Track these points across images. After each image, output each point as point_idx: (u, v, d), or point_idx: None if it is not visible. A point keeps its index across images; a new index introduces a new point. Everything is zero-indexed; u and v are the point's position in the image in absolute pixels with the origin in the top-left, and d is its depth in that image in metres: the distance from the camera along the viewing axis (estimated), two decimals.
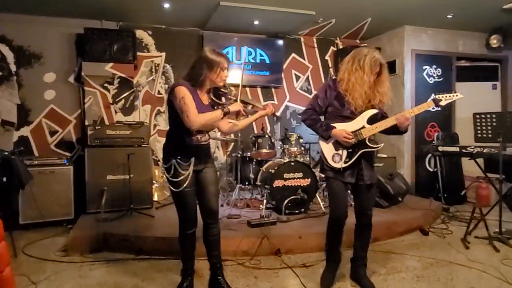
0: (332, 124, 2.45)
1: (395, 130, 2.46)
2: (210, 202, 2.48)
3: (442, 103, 2.38)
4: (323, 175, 2.62)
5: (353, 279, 2.66)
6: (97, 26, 4.81)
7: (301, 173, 4.09)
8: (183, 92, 2.26)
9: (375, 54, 2.37)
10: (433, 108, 2.36)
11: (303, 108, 2.62)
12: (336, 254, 2.64)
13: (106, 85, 4.76)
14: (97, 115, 4.74)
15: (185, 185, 2.34)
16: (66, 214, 4.15)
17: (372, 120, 2.43)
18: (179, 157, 2.35)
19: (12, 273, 1.56)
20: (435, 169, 5.30)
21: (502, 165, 3.59)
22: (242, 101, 2.46)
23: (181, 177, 2.34)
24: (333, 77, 2.60)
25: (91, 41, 4.57)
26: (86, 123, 4.66)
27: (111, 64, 4.68)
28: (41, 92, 4.84)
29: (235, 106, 2.39)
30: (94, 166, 4.15)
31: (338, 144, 2.44)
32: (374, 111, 2.42)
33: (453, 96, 2.38)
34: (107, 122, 4.73)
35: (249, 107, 2.55)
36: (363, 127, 2.40)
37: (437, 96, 2.37)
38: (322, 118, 2.57)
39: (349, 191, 2.76)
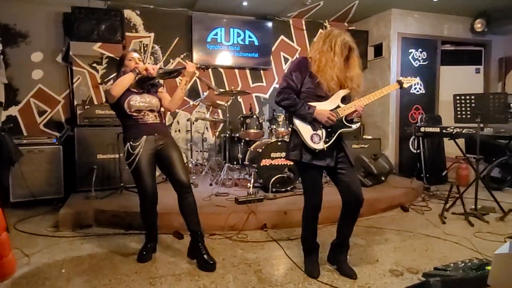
0: (310, 104, 2.35)
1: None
2: (177, 173, 2.61)
3: (405, 85, 2.50)
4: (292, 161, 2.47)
5: (332, 262, 2.59)
6: (85, 5, 4.77)
7: (287, 148, 4.20)
8: (108, 87, 2.60)
9: (346, 36, 2.32)
10: (400, 88, 2.50)
11: None
12: (315, 242, 2.55)
13: (94, 65, 4.77)
14: (86, 95, 4.76)
15: (135, 163, 2.55)
16: (56, 193, 4.21)
17: (344, 100, 2.42)
18: (132, 139, 2.60)
19: (8, 238, 1.65)
20: (418, 150, 5.46)
21: (480, 146, 3.75)
22: (163, 74, 2.69)
23: (132, 157, 2.56)
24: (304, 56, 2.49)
25: (78, 20, 4.55)
26: (75, 103, 4.67)
27: (99, 44, 4.67)
28: (29, 72, 4.82)
29: (143, 66, 2.59)
30: (83, 146, 4.20)
31: (316, 124, 2.35)
32: (347, 90, 2.39)
33: (413, 80, 2.53)
34: (96, 102, 4.76)
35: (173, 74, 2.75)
36: (338, 106, 2.37)
37: (400, 79, 2.52)
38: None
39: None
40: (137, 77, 2.58)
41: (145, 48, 5.32)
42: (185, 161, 2.77)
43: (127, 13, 5.16)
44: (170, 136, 2.81)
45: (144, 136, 2.60)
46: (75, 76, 4.72)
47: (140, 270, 2.55)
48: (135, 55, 2.70)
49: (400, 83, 2.50)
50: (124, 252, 2.84)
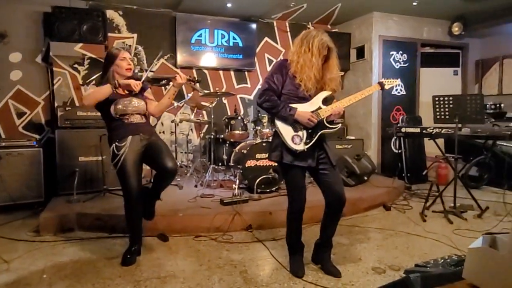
0: (291, 105, 2.36)
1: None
2: (164, 160, 2.60)
3: (386, 86, 2.54)
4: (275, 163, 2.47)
5: (316, 262, 2.62)
6: (65, 5, 4.69)
7: (269, 149, 4.23)
8: (84, 95, 2.60)
9: (323, 37, 2.33)
10: (382, 90, 2.54)
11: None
12: (300, 242, 2.58)
13: (76, 66, 4.69)
14: (67, 96, 4.68)
15: (120, 163, 2.57)
16: (37, 197, 4.11)
17: (326, 101, 2.44)
18: (117, 140, 2.61)
19: None
20: (400, 151, 5.58)
21: (458, 145, 3.86)
22: (151, 80, 2.72)
23: (117, 158, 2.58)
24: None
25: (59, 20, 4.47)
26: (56, 104, 4.58)
27: (80, 45, 4.60)
28: (7, 73, 4.70)
29: (126, 81, 2.58)
30: (65, 148, 4.12)
31: (297, 125, 2.37)
32: (328, 92, 2.43)
33: (394, 81, 2.58)
34: (77, 104, 4.68)
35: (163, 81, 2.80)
36: (320, 107, 2.39)
37: (382, 80, 2.56)
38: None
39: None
40: (113, 90, 2.54)
41: (128, 50, 5.26)
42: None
43: (110, 13, 5.10)
44: (155, 134, 2.82)
45: (130, 137, 2.61)
46: (56, 77, 4.63)
47: (124, 273, 2.52)
48: (128, 55, 2.67)
49: (381, 84, 2.55)
50: (108, 256, 2.81)
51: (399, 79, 2.70)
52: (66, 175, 4.07)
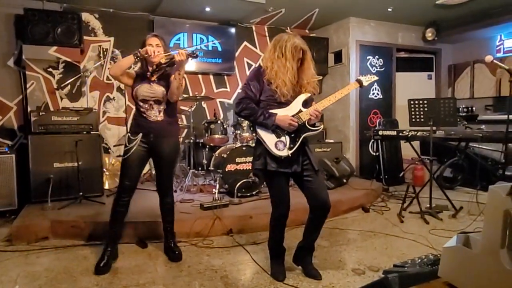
0: (270, 111, 2.34)
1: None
2: (161, 178, 2.82)
3: (365, 83, 2.53)
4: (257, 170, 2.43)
5: (297, 263, 2.62)
6: (39, 7, 4.57)
7: (252, 157, 4.23)
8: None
9: (296, 40, 2.30)
10: (360, 87, 2.55)
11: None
12: (282, 247, 2.58)
13: (50, 69, 4.56)
14: (41, 101, 4.54)
15: (126, 156, 2.66)
16: (9, 205, 3.94)
17: (306, 104, 2.42)
18: (131, 132, 2.71)
19: None
20: (377, 153, 5.69)
21: (433, 147, 3.97)
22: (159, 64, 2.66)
23: (126, 149, 2.67)
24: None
25: (32, 22, 4.34)
26: (29, 109, 4.44)
27: (55, 48, 4.48)
28: None
29: (144, 49, 2.60)
30: (38, 154, 3.99)
31: (279, 131, 2.33)
32: (308, 94, 2.40)
33: (372, 78, 2.57)
34: (52, 108, 4.55)
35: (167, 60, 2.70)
36: (300, 110, 2.36)
37: (359, 78, 2.55)
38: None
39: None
40: (137, 60, 2.59)
41: (105, 53, 5.17)
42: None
43: (85, 16, 5.00)
44: (170, 135, 2.76)
45: (141, 134, 2.67)
46: (29, 81, 4.49)
47: (101, 281, 2.46)
48: (154, 41, 2.65)
49: (359, 82, 2.52)
50: (84, 264, 2.73)
51: (376, 76, 2.62)
52: (40, 182, 3.93)
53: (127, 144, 2.67)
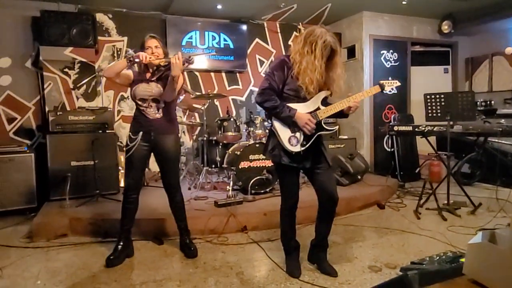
0: (290, 105, 2.30)
1: (340, 114, 2.42)
2: (166, 176, 2.84)
3: (386, 88, 2.47)
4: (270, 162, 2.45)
5: (312, 261, 2.62)
6: (54, 9, 4.65)
7: (264, 146, 4.21)
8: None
9: (327, 37, 2.21)
10: (382, 91, 2.49)
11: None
12: (295, 241, 2.58)
13: (66, 70, 4.64)
14: (57, 101, 4.62)
15: (128, 154, 2.73)
16: (29, 203, 4.05)
17: (325, 101, 2.41)
18: (132, 131, 2.76)
19: None
20: (392, 149, 5.61)
21: (450, 143, 3.89)
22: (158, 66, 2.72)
23: (128, 148, 2.74)
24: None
25: (48, 24, 4.43)
26: (47, 109, 4.53)
27: (70, 49, 4.56)
28: None
29: (138, 53, 2.61)
30: (56, 153, 4.07)
31: (295, 126, 2.31)
32: (328, 92, 2.36)
33: (394, 83, 2.52)
34: (68, 108, 4.63)
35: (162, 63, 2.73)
36: (318, 108, 2.33)
37: (381, 82, 2.49)
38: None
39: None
40: (129, 64, 2.59)
41: (119, 53, 5.23)
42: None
43: (99, 16, 5.07)
44: (170, 132, 2.79)
45: (141, 132, 2.71)
46: (46, 81, 4.58)
47: (119, 277, 2.50)
48: (153, 43, 2.69)
49: (381, 86, 2.46)
50: (102, 260, 2.76)
51: (397, 81, 2.57)
52: (58, 180, 4.02)
53: (128, 143, 2.73)
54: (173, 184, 2.84)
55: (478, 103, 6.04)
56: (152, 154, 2.83)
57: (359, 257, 2.78)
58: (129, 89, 2.79)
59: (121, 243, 2.75)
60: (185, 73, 5.54)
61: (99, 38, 4.99)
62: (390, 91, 5.85)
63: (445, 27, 5.96)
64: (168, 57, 2.64)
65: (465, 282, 1.08)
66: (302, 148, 2.32)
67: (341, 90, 2.39)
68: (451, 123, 3.93)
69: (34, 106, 4.83)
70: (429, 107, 4.02)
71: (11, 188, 3.97)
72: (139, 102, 2.73)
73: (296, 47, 2.29)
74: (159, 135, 2.74)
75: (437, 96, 3.96)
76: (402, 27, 5.96)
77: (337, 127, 2.51)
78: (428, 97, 4.03)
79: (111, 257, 2.68)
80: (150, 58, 2.62)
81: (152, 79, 2.72)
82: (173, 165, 2.85)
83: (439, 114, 3.97)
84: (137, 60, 2.58)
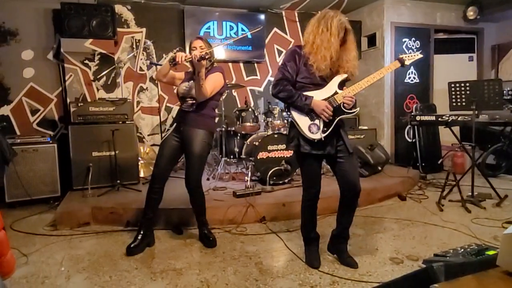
0: (306, 94, 2.30)
1: (339, 112, 2.34)
2: (187, 172, 2.81)
3: (407, 62, 2.40)
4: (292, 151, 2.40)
5: (332, 252, 2.59)
6: (74, 1, 4.69)
7: (284, 145, 4.20)
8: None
9: (342, 17, 2.23)
10: (401, 67, 2.41)
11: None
12: (315, 233, 2.56)
13: (86, 61, 4.70)
14: (78, 92, 4.70)
15: (160, 143, 2.86)
16: (52, 192, 4.17)
17: (342, 85, 2.37)
18: (171, 124, 2.85)
19: (6, 237, 1.62)
20: (414, 140, 5.49)
21: (475, 133, 3.76)
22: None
23: (163, 138, 2.85)
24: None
25: (68, 16, 4.48)
26: (68, 100, 4.61)
27: (90, 40, 4.61)
28: (20, 70, 4.74)
29: (176, 54, 2.65)
30: (78, 143, 4.15)
31: (313, 114, 2.29)
32: (344, 75, 2.33)
33: (415, 55, 2.44)
34: (89, 99, 4.70)
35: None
36: (336, 92, 2.31)
37: (401, 56, 2.42)
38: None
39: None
40: (171, 65, 2.67)
41: (137, 44, 5.27)
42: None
43: (118, 8, 5.10)
44: (200, 127, 2.78)
45: (175, 124, 2.87)
46: (67, 73, 4.66)
47: (140, 266, 2.54)
48: (198, 43, 2.75)
49: (401, 60, 2.40)
50: (123, 249, 2.81)
51: (418, 53, 2.47)
52: (80, 170, 4.11)
53: (165, 133, 2.80)
54: (191, 180, 2.78)
55: (505, 92, 5.80)
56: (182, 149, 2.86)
57: (380, 249, 2.74)
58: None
59: (142, 232, 2.79)
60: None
61: (118, 29, 5.02)
62: (410, 79, 5.76)
63: (471, 13, 5.74)
64: (191, 55, 2.63)
65: (499, 274, 1.03)
66: (324, 135, 2.29)
67: (356, 71, 2.35)
68: (476, 112, 3.79)
69: (56, 97, 4.93)
70: (454, 96, 3.89)
71: (35, 178, 4.08)
72: (181, 100, 2.85)
73: (310, 29, 2.29)
74: (188, 127, 2.78)
75: (462, 84, 3.83)
76: (425, 14, 5.76)
77: (357, 109, 2.44)
78: (452, 85, 3.90)
79: (132, 246, 2.73)
80: (185, 57, 2.60)
81: (194, 77, 2.74)
82: (195, 160, 2.77)
83: (464, 103, 3.83)
84: (174, 61, 2.62)
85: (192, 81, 2.77)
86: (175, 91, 2.91)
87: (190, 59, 2.60)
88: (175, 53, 2.65)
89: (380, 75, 2.35)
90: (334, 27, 2.19)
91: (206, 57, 2.56)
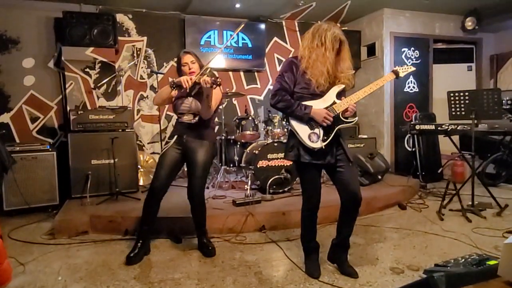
0: (304, 103, 2.30)
1: (338, 121, 2.36)
2: (189, 180, 2.80)
3: (401, 74, 2.45)
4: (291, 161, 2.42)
5: (332, 261, 2.57)
6: (76, 10, 4.73)
7: (285, 149, 4.17)
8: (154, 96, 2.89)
9: (335, 30, 2.24)
10: (396, 78, 2.45)
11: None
12: (315, 242, 2.54)
13: (87, 70, 4.72)
14: (79, 100, 4.71)
15: (160, 155, 2.81)
16: (51, 200, 4.14)
17: (340, 95, 2.37)
18: (170, 137, 2.89)
19: (3, 246, 1.61)
20: (414, 149, 5.48)
21: (474, 142, 3.76)
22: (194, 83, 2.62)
23: (162, 150, 2.84)
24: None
25: (70, 25, 4.50)
26: (68, 108, 4.62)
27: (91, 49, 4.64)
28: (20, 78, 4.76)
29: (179, 78, 2.63)
30: (77, 151, 4.14)
31: (313, 123, 2.30)
32: (342, 86, 2.35)
33: (409, 68, 2.49)
34: (89, 107, 4.71)
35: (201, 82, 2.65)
36: (334, 102, 2.32)
37: (395, 69, 2.47)
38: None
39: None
40: (173, 88, 2.62)
41: (138, 53, 5.29)
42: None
43: (119, 17, 5.14)
44: (203, 138, 2.78)
45: (176, 136, 2.82)
46: (68, 81, 4.67)
47: (138, 275, 2.51)
48: (188, 58, 2.74)
49: (395, 72, 2.44)
50: (122, 258, 2.79)
51: (413, 66, 2.55)
52: (79, 178, 4.10)
53: (165, 146, 2.85)
54: (193, 189, 2.76)
55: (503, 101, 5.82)
56: (184, 161, 2.85)
57: (380, 258, 2.71)
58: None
59: (140, 241, 2.78)
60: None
61: (119, 38, 5.04)
62: (409, 88, 5.78)
63: (469, 23, 5.78)
64: (200, 74, 2.60)
65: (500, 284, 1.02)
66: (324, 144, 2.29)
67: (351, 81, 2.37)
68: (476, 121, 3.80)
69: (56, 105, 4.94)
70: (453, 105, 3.90)
71: (34, 186, 4.06)
72: (179, 115, 2.83)
73: (305, 43, 2.31)
74: (191, 138, 2.77)
75: (462, 93, 3.84)
76: (424, 24, 5.81)
77: (356, 119, 2.44)
78: (452, 95, 3.91)
79: (131, 255, 2.71)
80: (190, 80, 2.57)
81: (191, 94, 2.73)
82: (200, 170, 2.75)
83: (463, 113, 3.84)
84: (180, 86, 2.59)
85: (190, 98, 2.76)
86: (172, 107, 2.88)
87: (198, 82, 2.56)
88: (174, 79, 2.60)
89: (377, 86, 2.38)
90: (328, 41, 2.21)
91: (218, 82, 2.48)
